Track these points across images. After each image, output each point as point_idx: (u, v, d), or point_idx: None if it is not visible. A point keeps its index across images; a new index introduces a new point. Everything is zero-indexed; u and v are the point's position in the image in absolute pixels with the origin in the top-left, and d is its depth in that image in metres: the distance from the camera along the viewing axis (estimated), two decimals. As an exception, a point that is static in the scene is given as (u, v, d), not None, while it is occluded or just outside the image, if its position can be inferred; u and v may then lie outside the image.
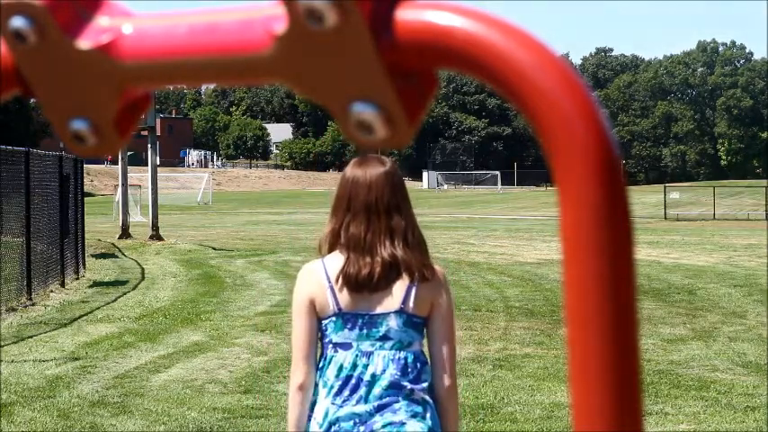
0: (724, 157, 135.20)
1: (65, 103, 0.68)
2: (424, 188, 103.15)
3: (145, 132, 27.94)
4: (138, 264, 21.71)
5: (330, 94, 0.63)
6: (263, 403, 8.62)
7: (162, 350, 11.12)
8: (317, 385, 3.40)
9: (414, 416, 3.34)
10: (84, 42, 0.66)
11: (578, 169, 0.58)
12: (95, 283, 18.30)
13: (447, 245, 27.13)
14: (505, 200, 75.56)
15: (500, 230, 36.15)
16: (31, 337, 12.20)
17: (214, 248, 25.90)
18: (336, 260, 3.39)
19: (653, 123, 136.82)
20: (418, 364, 3.38)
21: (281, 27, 0.62)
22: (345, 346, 3.37)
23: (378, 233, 3.35)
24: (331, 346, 3.39)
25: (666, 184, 72.59)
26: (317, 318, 3.39)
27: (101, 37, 0.66)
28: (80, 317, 13.87)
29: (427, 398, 3.37)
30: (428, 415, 3.36)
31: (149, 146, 28.03)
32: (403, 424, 3.33)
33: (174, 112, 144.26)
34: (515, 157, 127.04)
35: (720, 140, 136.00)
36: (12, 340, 11.94)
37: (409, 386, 3.34)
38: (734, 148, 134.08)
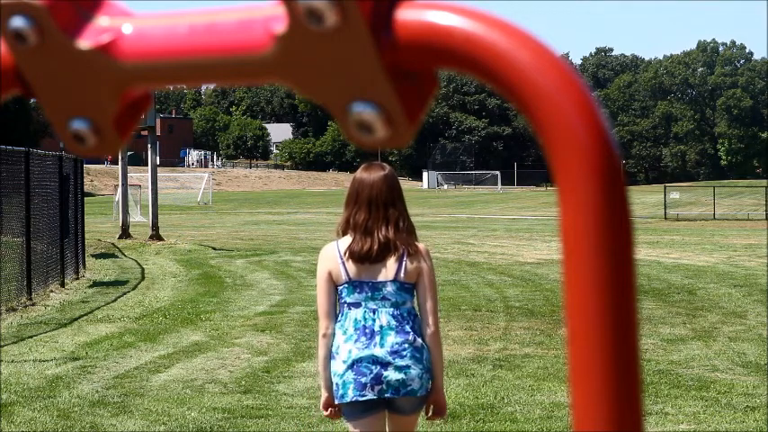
0: (724, 157, 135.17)
1: (65, 103, 0.68)
2: (424, 188, 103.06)
3: (145, 132, 27.93)
4: (138, 264, 21.71)
5: (330, 94, 0.63)
6: (263, 403, 8.62)
7: (162, 350, 11.12)
8: (335, 333, 4.53)
9: (415, 360, 4.47)
10: (84, 42, 0.66)
11: (578, 169, 0.58)
12: (95, 283, 18.30)
13: (447, 245, 27.13)
14: (505, 200, 75.55)
15: (500, 230, 36.15)
16: (31, 337, 12.20)
17: (214, 248, 25.90)
18: (347, 241, 4.54)
19: (653, 123, 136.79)
20: (411, 317, 4.54)
21: (281, 27, 0.62)
22: (356, 305, 4.52)
23: (377, 220, 4.51)
24: (346, 305, 4.53)
25: (666, 184, 72.62)
26: (333, 285, 4.54)
27: (101, 37, 0.66)
28: (80, 317, 13.87)
29: (423, 343, 4.52)
30: (424, 358, 4.51)
31: (149, 146, 28.02)
32: (408, 367, 4.46)
33: (173, 112, 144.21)
34: (515, 157, 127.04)
35: (720, 140, 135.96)
36: (12, 340, 11.94)
37: (411, 336, 4.47)
38: (734, 148, 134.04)
